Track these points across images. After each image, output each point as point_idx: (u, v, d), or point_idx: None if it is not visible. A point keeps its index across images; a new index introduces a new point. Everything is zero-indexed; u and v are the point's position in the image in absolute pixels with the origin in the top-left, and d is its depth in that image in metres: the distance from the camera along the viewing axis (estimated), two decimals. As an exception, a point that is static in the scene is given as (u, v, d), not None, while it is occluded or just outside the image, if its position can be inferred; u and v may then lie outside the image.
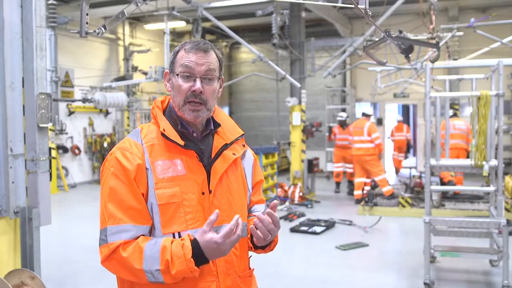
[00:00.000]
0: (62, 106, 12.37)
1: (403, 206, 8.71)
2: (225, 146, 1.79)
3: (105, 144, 13.57)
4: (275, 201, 1.68)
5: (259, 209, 1.92)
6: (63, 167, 12.34)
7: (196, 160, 1.72)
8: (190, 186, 1.68)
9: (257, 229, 1.65)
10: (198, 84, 1.69)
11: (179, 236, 1.65)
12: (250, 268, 1.85)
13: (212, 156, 1.76)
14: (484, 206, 8.42)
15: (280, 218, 8.13)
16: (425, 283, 4.85)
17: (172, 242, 1.59)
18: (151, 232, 1.67)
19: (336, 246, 6.61)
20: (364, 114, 10.29)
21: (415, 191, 9.36)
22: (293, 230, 7.49)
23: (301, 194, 9.91)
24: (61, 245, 6.81)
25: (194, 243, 1.57)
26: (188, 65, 1.70)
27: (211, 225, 1.55)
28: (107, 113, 13.90)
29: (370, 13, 2.22)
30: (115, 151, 1.71)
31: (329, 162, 13.31)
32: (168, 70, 1.79)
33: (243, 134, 1.89)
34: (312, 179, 11.00)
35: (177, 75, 1.71)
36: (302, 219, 8.37)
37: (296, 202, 9.72)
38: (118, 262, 1.61)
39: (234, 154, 1.81)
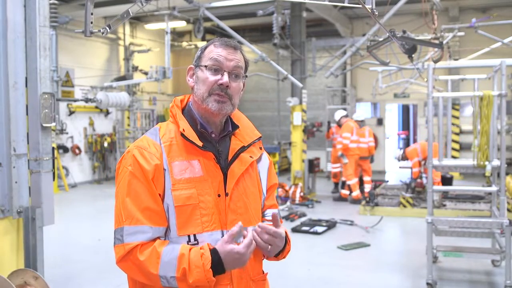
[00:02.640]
0: (63, 105, 12.36)
1: (404, 206, 8.70)
2: (242, 149, 1.77)
3: (106, 144, 13.56)
4: (274, 213, 1.67)
5: (271, 214, 1.89)
6: (64, 167, 12.33)
7: (214, 162, 1.70)
8: (207, 188, 1.67)
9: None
10: (226, 78, 1.68)
11: (195, 239, 1.63)
12: (263, 272, 1.84)
13: (229, 158, 1.74)
14: (485, 206, 8.42)
15: (281, 218, 8.15)
16: (427, 283, 4.85)
17: (190, 250, 1.57)
18: (166, 233, 1.65)
19: (338, 246, 6.61)
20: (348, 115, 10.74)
21: (416, 191, 9.37)
22: (295, 230, 7.48)
23: (302, 194, 9.91)
24: (62, 245, 6.80)
25: (214, 253, 1.56)
26: (217, 59, 1.69)
27: (232, 237, 1.55)
28: (107, 113, 13.88)
29: (376, 12, 2.21)
30: (132, 149, 1.69)
31: (329, 162, 13.29)
32: (192, 66, 1.78)
33: (260, 137, 1.86)
34: (313, 179, 11.01)
35: (205, 67, 1.70)
36: (303, 219, 8.37)
37: (297, 202, 9.72)
38: (134, 264, 1.60)
39: (251, 157, 1.79)
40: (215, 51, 1.70)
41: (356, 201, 9.87)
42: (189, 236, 1.64)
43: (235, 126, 1.81)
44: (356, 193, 9.97)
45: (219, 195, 1.68)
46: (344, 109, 14.18)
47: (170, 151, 1.68)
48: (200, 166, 1.68)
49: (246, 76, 1.78)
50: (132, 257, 1.59)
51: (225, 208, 1.69)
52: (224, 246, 1.55)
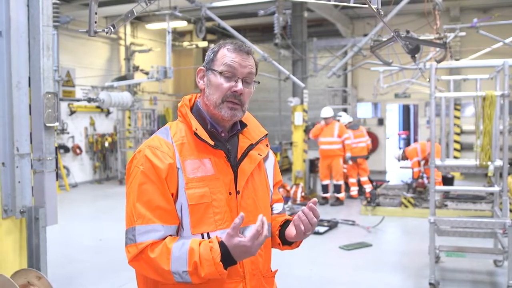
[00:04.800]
0: (64, 105, 12.34)
1: (406, 206, 8.70)
2: (251, 147, 1.79)
3: (106, 144, 13.55)
4: (315, 199, 1.68)
5: (277, 207, 1.93)
6: (65, 167, 12.32)
7: (224, 160, 1.72)
8: (219, 186, 1.68)
9: (299, 224, 1.67)
10: (240, 86, 1.69)
11: (208, 237, 1.64)
12: (271, 270, 1.85)
13: (239, 156, 1.76)
14: (486, 206, 8.41)
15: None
16: (430, 283, 4.85)
17: (200, 244, 1.58)
18: (178, 232, 1.66)
19: (340, 246, 6.60)
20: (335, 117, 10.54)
21: (417, 191, 9.36)
22: (296, 230, 7.47)
23: (303, 194, 9.90)
24: (64, 245, 6.79)
25: (222, 245, 1.56)
26: (231, 65, 1.70)
27: (237, 229, 1.54)
28: (108, 112, 13.88)
29: (382, 12, 2.21)
30: (144, 149, 1.69)
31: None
32: (203, 67, 1.78)
33: (266, 134, 1.88)
34: (314, 179, 11.00)
35: (220, 73, 1.70)
36: (304, 219, 8.34)
37: (298, 202, 9.70)
38: (145, 262, 1.60)
39: (259, 154, 1.81)
40: (229, 56, 1.71)
41: (340, 203, 9.85)
42: (202, 234, 1.65)
43: (243, 125, 1.82)
44: (342, 194, 9.98)
45: (230, 193, 1.70)
46: (345, 109, 14.16)
47: (182, 150, 1.68)
48: (211, 165, 1.69)
49: (259, 82, 1.79)
50: (144, 256, 1.60)
51: (236, 206, 1.71)
52: (230, 240, 1.55)
